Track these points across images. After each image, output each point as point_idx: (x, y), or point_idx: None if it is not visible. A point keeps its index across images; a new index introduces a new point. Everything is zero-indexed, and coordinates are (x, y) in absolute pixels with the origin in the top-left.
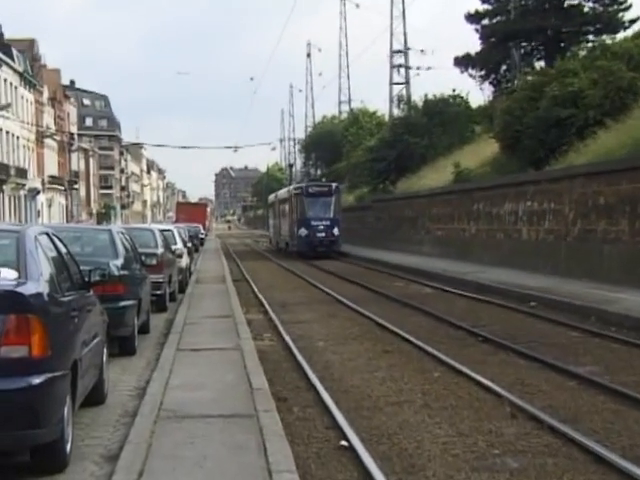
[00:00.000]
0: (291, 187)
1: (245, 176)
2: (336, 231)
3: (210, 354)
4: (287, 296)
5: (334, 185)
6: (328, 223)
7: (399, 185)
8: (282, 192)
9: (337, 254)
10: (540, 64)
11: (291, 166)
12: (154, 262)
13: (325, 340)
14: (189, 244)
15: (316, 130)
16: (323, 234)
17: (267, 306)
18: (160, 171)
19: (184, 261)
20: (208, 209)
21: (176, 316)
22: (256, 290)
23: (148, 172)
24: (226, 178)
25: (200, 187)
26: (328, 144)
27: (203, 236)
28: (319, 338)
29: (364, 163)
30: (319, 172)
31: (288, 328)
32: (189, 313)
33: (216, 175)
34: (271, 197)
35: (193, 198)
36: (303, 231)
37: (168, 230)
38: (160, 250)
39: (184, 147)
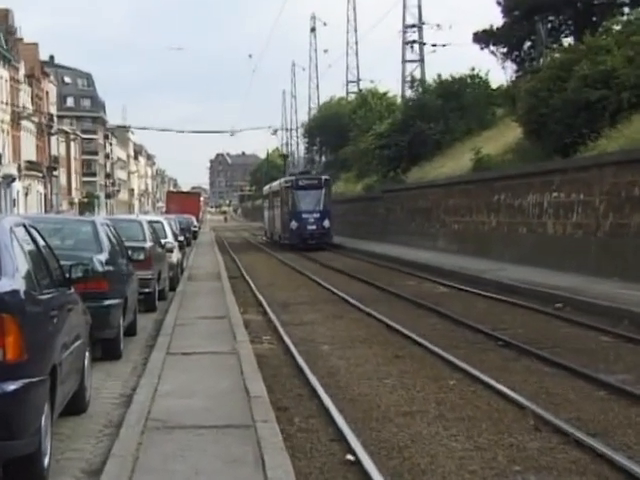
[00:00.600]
0: (282, 180)
1: (243, 163)
2: (326, 223)
3: (203, 358)
4: (288, 295)
5: (324, 178)
6: (318, 215)
7: (411, 174)
8: (275, 184)
9: (347, 250)
10: (568, 40)
11: (286, 157)
12: (142, 257)
13: (330, 344)
14: (181, 237)
15: (321, 113)
16: (314, 226)
17: (266, 306)
18: (149, 157)
19: (175, 256)
20: (202, 199)
21: (166, 316)
22: (254, 288)
23: (136, 158)
24: (222, 165)
25: (193, 175)
26: (334, 128)
27: (196, 229)
28: (323, 341)
29: (373, 149)
30: (323, 158)
31: (289, 330)
32: (180, 313)
33: (211, 162)
34: (266, 188)
35: (185, 187)
36: (294, 224)
37: (157, 222)
38: (148, 244)
39: (176, 131)
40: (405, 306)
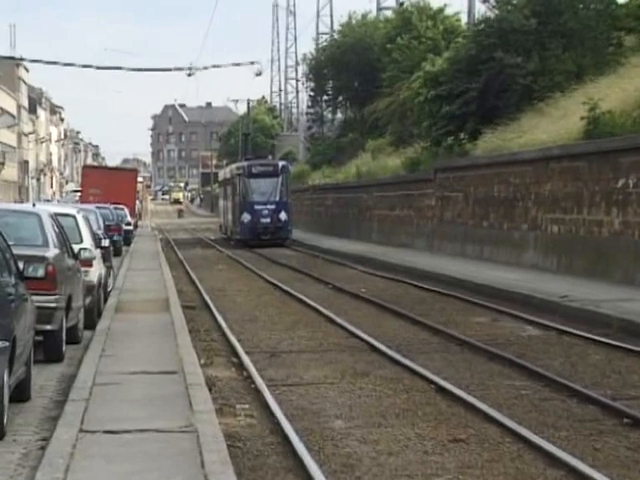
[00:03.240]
0: (234, 166)
1: (208, 121)
2: (283, 216)
3: (139, 440)
4: (279, 337)
5: (281, 164)
6: (274, 207)
7: (482, 143)
8: (227, 170)
9: (376, 265)
10: None
11: (275, 111)
12: (40, 273)
13: (347, 418)
14: (105, 241)
15: (336, 42)
16: (268, 219)
17: (243, 354)
18: (54, 110)
19: (95, 272)
20: (140, 179)
21: (80, 370)
22: (224, 325)
23: (32, 111)
24: (174, 124)
25: (126, 140)
26: (356, 66)
27: (131, 227)
28: (336, 414)
29: (422, 103)
30: (339, 115)
31: (280, 395)
32: (103, 365)
33: (155, 118)
34: (221, 174)
35: (113, 159)
36: (246, 216)
37: (67, 215)
38: (51, 252)
39: (97, 67)
40: (470, 359)
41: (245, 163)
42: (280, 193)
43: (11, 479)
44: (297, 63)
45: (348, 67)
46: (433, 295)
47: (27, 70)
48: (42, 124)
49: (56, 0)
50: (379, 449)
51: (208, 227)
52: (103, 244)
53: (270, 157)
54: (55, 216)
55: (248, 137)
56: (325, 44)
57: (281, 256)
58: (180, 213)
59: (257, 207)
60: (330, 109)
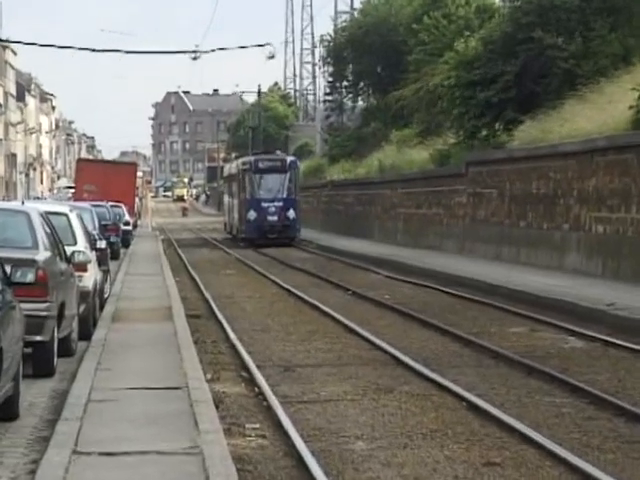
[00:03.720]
0: (239, 161)
1: (215, 109)
2: (291, 214)
3: (140, 464)
4: (294, 349)
5: (289, 159)
6: (281, 204)
7: (519, 133)
8: (233, 165)
9: (403, 270)
10: None
11: (289, 98)
12: (29, 278)
13: (369, 438)
14: (101, 243)
15: (357, 21)
16: (275, 217)
17: (254, 369)
18: (45, 98)
19: (91, 277)
20: (139, 174)
21: (73, 386)
22: (232, 336)
23: (21, 99)
24: (177, 112)
25: (124, 130)
26: (380, 48)
27: (129, 227)
28: (357, 434)
29: (452, 88)
30: (360, 102)
31: (296, 413)
32: (99, 381)
33: (156, 107)
34: (226, 169)
35: (110, 152)
36: (252, 214)
37: (60, 214)
38: (42, 255)
39: (92, 50)
40: (506, 373)
41: (251, 158)
42: (288, 190)
43: None
44: (314, 45)
45: (370, 50)
46: (464, 302)
47: (15, 53)
48: (31, 113)
49: None
50: (405, 473)
51: (214, 227)
52: (99, 246)
53: (278, 152)
54: (46, 215)
55: (257, 130)
56: (345, 24)
57: (295, 259)
58: (184, 212)
59: (264, 204)
60: (350, 96)
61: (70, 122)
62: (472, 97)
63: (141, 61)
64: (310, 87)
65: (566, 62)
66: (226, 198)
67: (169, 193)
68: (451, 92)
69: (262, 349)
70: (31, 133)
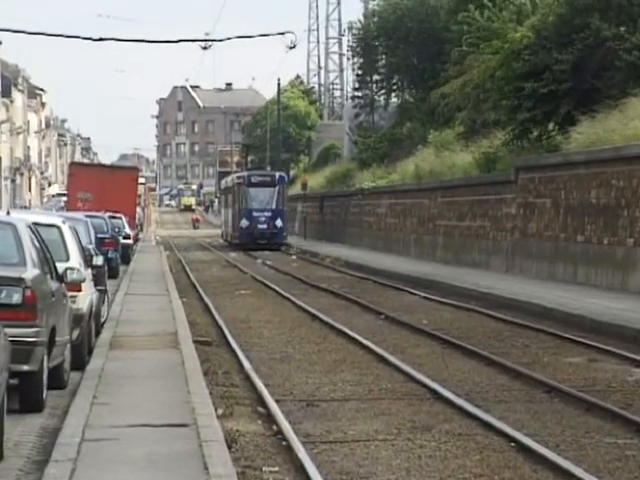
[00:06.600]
0: (235, 175)
1: (228, 106)
2: (279, 223)
3: None
4: (318, 381)
5: (278, 174)
6: (270, 214)
7: (576, 135)
8: (229, 179)
9: (443, 290)
10: None
11: (313, 95)
12: (15, 300)
13: None
14: (98, 259)
15: (390, 6)
16: (265, 226)
17: (272, 403)
18: (34, 93)
19: (85, 298)
20: (142, 180)
21: (65, 422)
22: (247, 367)
23: (6, 94)
24: (185, 110)
25: (124, 130)
26: (416, 37)
27: (130, 241)
28: (390, 479)
29: (500, 82)
30: (394, 99)
31: (320, 455)
32: (94, 417)
33: (161, 103)
34: (223, 182)
35: (108, 155)
36: (244, 222)
37: (51, 226)
38: (30, 272)
39: (84, 38)
40: (561, 410)
41: (245, 173)
42: (277, 202)
43: None
44: (341, 34)
45: (406, 39)
46: (514, 328)
47: (0, 42)
48: (18, 110)
49: None
50: None
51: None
52: (95, 262)
53: (268, 169)
54: (35, 227)
55: (275, 131)
56: (377, 9)
57: (320, 278)
58: (195, 223)
59: (255, 214)
60: (383, 92)
61: (62, 121)
62: (523, 88)
63: (144, 51)
64: (337, 81)
65: (629, 54)
66: (223, 209)
67: (174, 202)
68: (498, 84)
69: (281, 381)
70: (18, 133)
